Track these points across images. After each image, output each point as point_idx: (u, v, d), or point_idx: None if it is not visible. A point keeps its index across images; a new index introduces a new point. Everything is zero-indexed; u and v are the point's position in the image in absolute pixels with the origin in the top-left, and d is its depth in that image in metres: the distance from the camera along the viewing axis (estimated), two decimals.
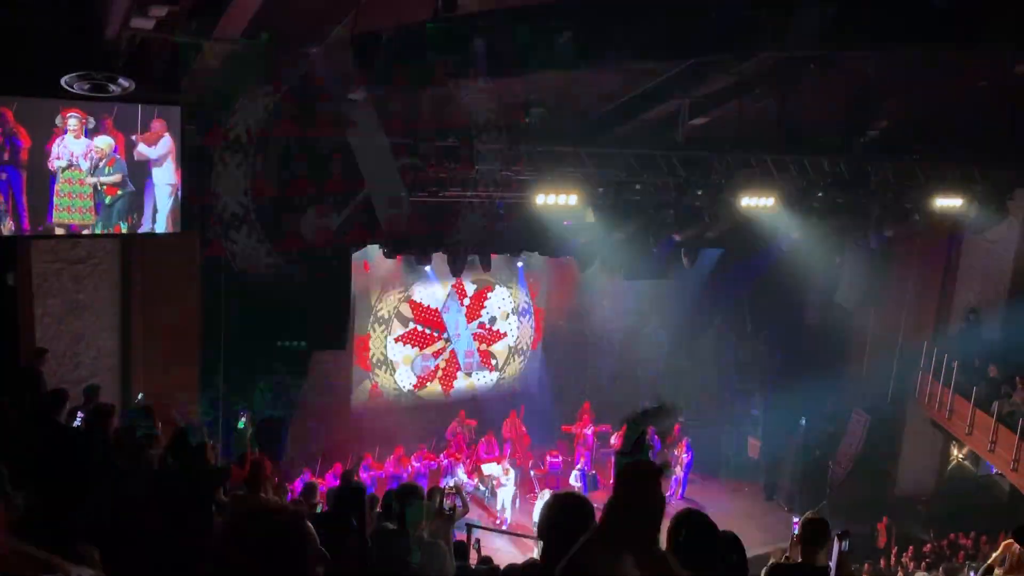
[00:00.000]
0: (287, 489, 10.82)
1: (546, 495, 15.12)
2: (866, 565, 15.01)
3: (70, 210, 8.71)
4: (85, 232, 8.95)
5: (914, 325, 17.04)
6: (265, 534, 2.25)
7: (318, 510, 8.69)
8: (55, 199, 8.59)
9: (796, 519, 16.55)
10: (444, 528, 6.53)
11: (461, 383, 18.91)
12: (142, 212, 9.29)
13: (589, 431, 18.32)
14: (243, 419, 5.91)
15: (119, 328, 11.91)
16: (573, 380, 19.47)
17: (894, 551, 15.63)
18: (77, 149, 8.67)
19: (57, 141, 8.57)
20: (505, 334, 19.22)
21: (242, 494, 5.71)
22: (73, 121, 8.52)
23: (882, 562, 15.22)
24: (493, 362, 19.23)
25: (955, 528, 15.31)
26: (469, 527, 10.96)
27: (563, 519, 3.00)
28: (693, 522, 3.82)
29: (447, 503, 6.48)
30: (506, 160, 11.02)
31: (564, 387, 19.46)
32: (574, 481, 16.42)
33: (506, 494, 16.24)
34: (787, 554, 6.11)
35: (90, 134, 8.70)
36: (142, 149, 9.10)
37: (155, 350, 12.02)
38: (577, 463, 17.24)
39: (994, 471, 16.10)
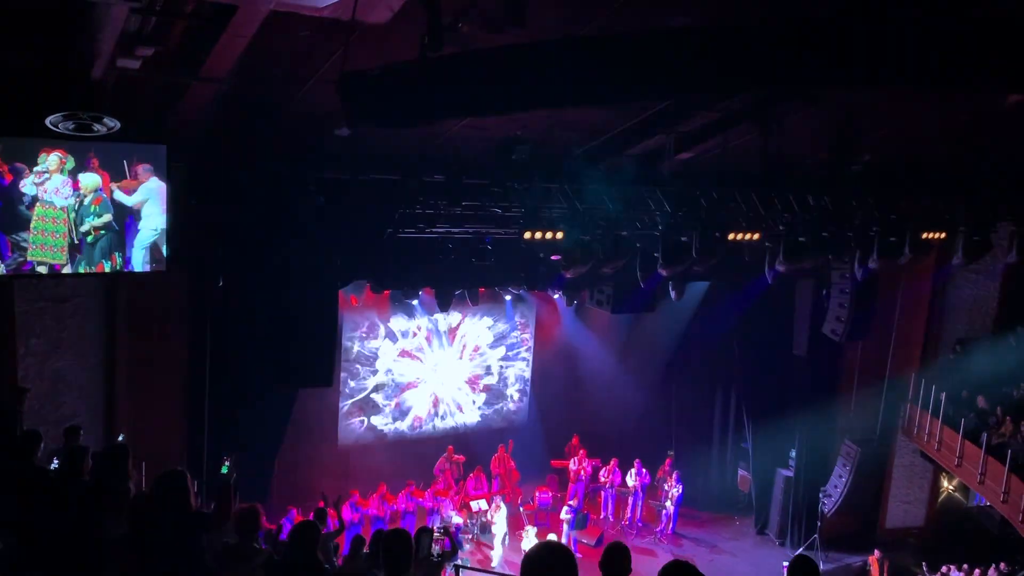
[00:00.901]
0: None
1: (531, 533, 14.97)
2: None
3: (43, 247, 8.63)
4: (66, 271, 8.86)
5: (902, 357, 17.09)
6: None
7: None
8: (31, 236, 8.51)
9: (785, 563, 16.52)
10: (433, 570, 6.42)
11: (448, 419, 18.81)
12: (125, 251, 9.23)
13: (584, 465, 18.22)
14: (227, 464, 5.82)
15: (102, 365, 11.79)
16: (562, 414, 19.42)
17: None
18: (51, 187, 8.61)
19: (33, 179, 8.51)
20: (492, 369, 19.16)
21: (234, 543, 5.62)
22: (53, 159, 8.48)
23: None
24: (481, 397, 19.18)
25: (947, 560, 15.24)
26: (457, 568, 10.97)
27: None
28: None
29: (435, 548, 6.35)
30: (493, 197, 11.03)
31: (553, 421, 19.39)
32: (565, 516, 16.26)
33: (498, 531, 16.09)
34: None
35: (72, 173, 8.66)
36: (118, 196, 9.06)
37: (139, 388, 11.93)
38: (570, 499, 17.12)
39: (984, 503, 16.07)
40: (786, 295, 17.14)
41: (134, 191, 9.13)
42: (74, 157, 8.59)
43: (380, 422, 17.86)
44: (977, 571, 14.31)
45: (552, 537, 14.53)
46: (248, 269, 11.16)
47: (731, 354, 18.50)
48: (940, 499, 18.36)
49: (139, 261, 9.38)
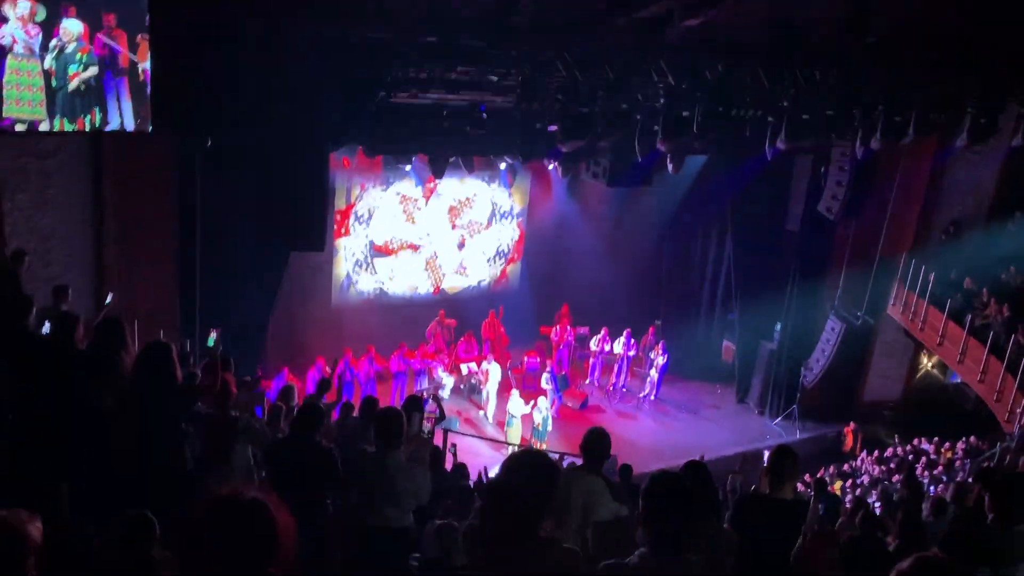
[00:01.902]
0: (263, 395, 10.77)
1: (516, 396, 15.27)
2: (831, 467, 15.39)
3: (19, 102, 8.23)
4: (44, 127, 8.49)
5: (894, 237, 16.95)
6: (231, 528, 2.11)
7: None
8: (4, 91, 8.08)
9: (768, 436, 16.95)
10: (421, 450, 6.47)
11: (440, 283, 18.87)
12: (106, 108, 8.83)
13: (568, 333, 18.46)
14: (213, 336, 5.73)
15: (91, 224, 11.59)
16: (553, 283, 19.51)
17: (861, 455, 16.01)
18: (21, 37, 8.11)
19: (2, 28, 8.00)
20: (485, 236, 19.04)
21: (212, 413, 5.62)
22: (22, 7, 7.94)
23: (846, 465, 15.59)
24: (473, 262, 19.13)
25: (920, 434, 15.65)
26: (445, 431, 11.17)
27: (520, 484, 2.86)
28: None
29: (426, 426, 6.40)
30: (489, 63, 10.53)
31: (544, 290, 19.50)
32: (545, 384, 16.61)
33: (491, 388, 16.50)
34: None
35: (45, 23, 8.15)
36: (102, 45, 8.57)
37: (128, 247, 11.77)
38: (553, 364, 17.38)
39: (960, 380, 16.36)
40: (783, 171, 16.84)
41: (116, 42, 8.65)
42: (45, 7, 8.06)
43: (372, 285, 17.92)
44: (947, 444, 14.72)
45: (541, 411, 14.87)
46: (238, 129, 10.81)
47: (724, 229, 18.38)
48: (918, 375, 18.70)
49: (123, 119, 9.00)
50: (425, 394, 9.86)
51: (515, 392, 15.58)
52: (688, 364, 18.85)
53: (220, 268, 12.19)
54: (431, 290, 18.68)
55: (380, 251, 17.76)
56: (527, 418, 15.11)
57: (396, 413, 5.45)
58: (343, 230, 17.15)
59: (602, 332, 18.28)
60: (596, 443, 5.16)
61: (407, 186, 17.55)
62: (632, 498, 5.17)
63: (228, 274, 12.36)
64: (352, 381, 15.45)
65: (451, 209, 18.38)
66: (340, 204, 16.83)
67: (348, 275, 17.55)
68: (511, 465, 3.03)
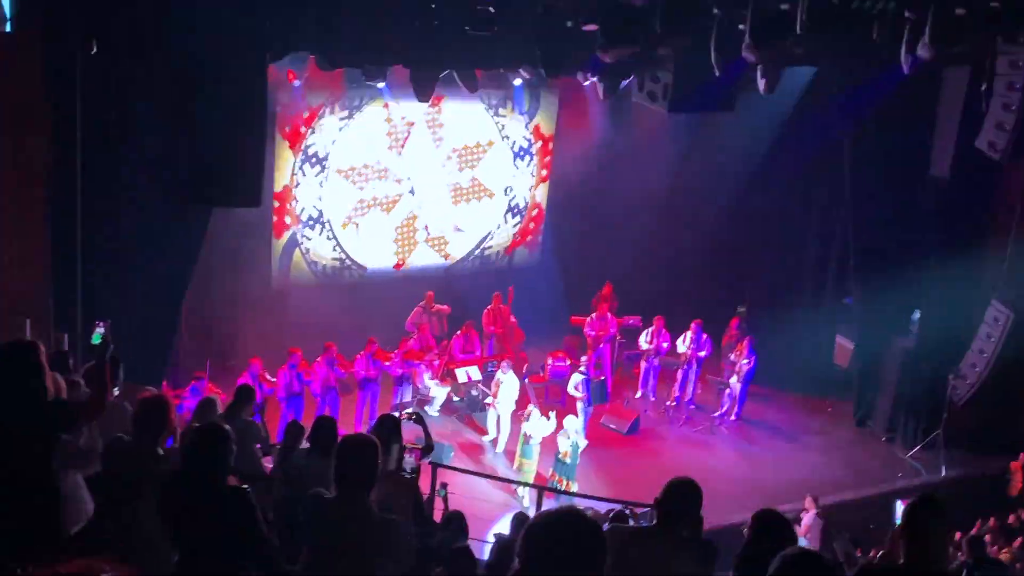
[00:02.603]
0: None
1: (535, 417, 15.30)
2: (991, 520, 15.32)
3: None
4: None
5: None
6: None
7: None
8: None
9: (900, 474, 16.92)
10: (400, 494, 6.46)
11: (428, 252, 18.91)
12: None
13: (610, 324, 18.45)
14: (99, 331, 5.71)
15: None
16: (588, 253, 19.54)
17: None
18: None
19: None
20: (492, 185, 19.03)
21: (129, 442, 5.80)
22: None
23: (1011, 517, 15.53)
24: (474, 221, 19.16)
25: None
26: (434, 466, 11.21)
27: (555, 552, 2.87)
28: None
29: (409, 460, 6.39)
30: None
31: (574, 262, 19.54)
32: (574, 390, 16.67)
33: (502, 409, 16.53)
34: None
35: None
36: None
37: None
38: (588, 368, 17.27)
39: None
40: (926, 93, 16.66)
41: None
42: None
43: (330, 255, 17.95)
44: None
45: (568, 435, 14.89)
46: (136, 30, 10.80)
47: (838, 175, 18.25)
48: None
49: None
50: (405, 413, 9.87)
51: (533, 409, 15.58)
52: (784, 370, 18.77)
53: (111, 236, 12.20)
54: (414, 262, 18.73)
55: (341, 204, 17.76)
56: (549, 444, 15.19)
57: (365, 442, 5.48)
58: (289, 177, 17.16)
59: (655, 324, 18.32)
60: (680, 501, 5.45)
61: (379, 113, 17.54)
62: (705, 561, 5.29)
63: (122, 244, 12.37)
64: (301, 393, 15.50)
65: (442, 146, 18.34)
66: (283, 139, 16.86)
67: (295, 241, 17.60)
68: (535, 540, 3.02)
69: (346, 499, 5.35)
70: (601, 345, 18.39)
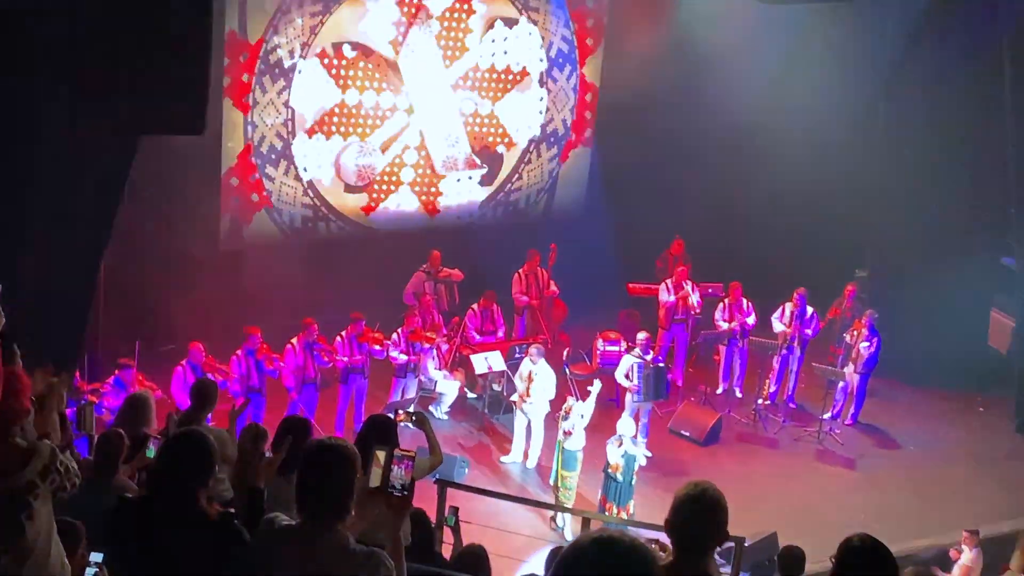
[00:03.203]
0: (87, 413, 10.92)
1: (578, 413, 15.18)
2: None
3: None
4: None
5: None
6: None
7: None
8: None
9: None
10: (389, 520, 6.40)
11: (429, 193, 19.11)
12: None
13: (683, 292, 18.46)
14: None
15: None
16: (651, 198, 19.56)
17: None
18: None
19: None
20: (520, 101, 19.11)
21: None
22: None
23: None
24: (497, 157, 19.27)
25: None
26: (442, 485, 11.25)
27: None
28: None
29: (399, 472, 6.29)
30: None
31: (635, 212, 19.58)
32: (624, 379, 16.64)
33: (533, 412, 16.42)
34: None
35: None
36: None
37: None
38: (645, 349, 17.14)
39: None
40: None
41: None
42: None
43: (298, 200, 18.08)
44: None
45: (622, 443, 14.72)
46: None
47: (992, 92, 18.10)
48: None
49: None
50: (402, 414, 9.84)
51: (575, 404, 15.42)
52: (918, 357, 18.74)
53: (5, 175, 12.17)
54: (414, 207, 18.86)
55: (314, 134, 17.85)
56: (598, 456, 15.08)
57: (336, 449, 5.49)
58: (243, 96, 17.25)
59: (733, 292, 18.40)
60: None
61: (369, 7, 17.59)
62: None
63: (15, 187, 12.36)
64: (261, 389, 15.55)
65: (452, 51, 18.40)
66: (234, 46, 16.92)
67: (252, 184, 17.67)
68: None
69: (312, 526, 5.35)
70: (676, 322, 18.48)
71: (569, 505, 14.84)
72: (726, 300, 18.49)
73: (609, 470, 14.78)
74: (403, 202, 19.10)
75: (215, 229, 17.58)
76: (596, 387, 15.28)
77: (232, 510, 5.87)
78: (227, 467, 10.22)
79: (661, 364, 17.23)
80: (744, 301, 18.39)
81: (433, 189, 19.23)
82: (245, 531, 5.64)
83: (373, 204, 18.81)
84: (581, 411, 15.12)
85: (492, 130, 19.35)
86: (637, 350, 16.84)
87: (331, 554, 5.28)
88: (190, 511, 5.57)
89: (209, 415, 10.70)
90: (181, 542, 5.48)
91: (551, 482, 15.54)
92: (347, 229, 18.67)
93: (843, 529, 14.53)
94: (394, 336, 16.62)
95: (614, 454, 14.72)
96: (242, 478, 9.21)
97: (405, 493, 5.92)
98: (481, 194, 19.51)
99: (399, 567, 5.56)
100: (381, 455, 6.27)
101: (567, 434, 15.14)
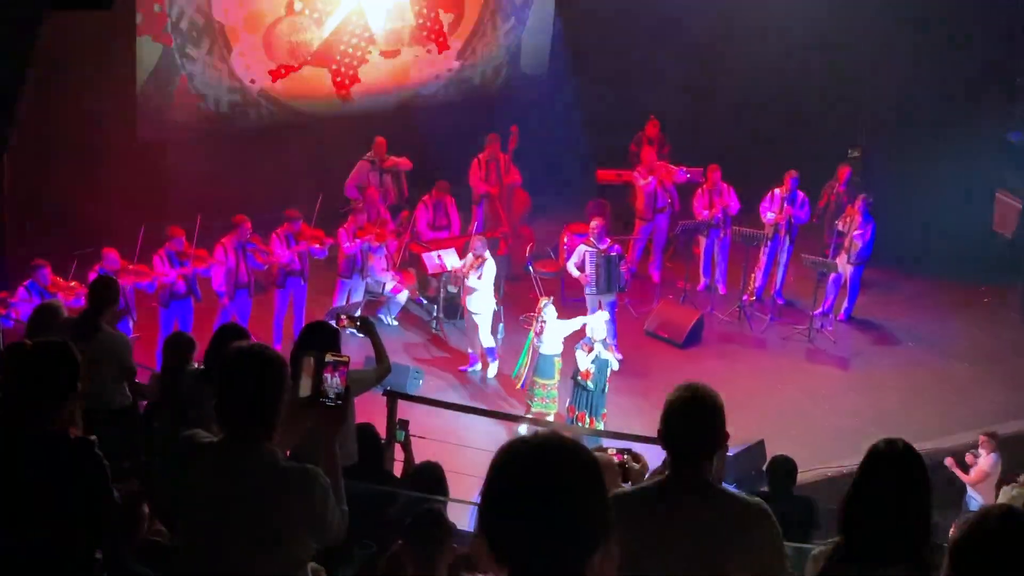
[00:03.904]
0: None
1: (552, 318, 15.10)
2: None
3: None
4: None
5: None
6: None
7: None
8: None
9: None
10: (324, 433, 6.15)
11: (372, 66, 18.75)
12: None
13: (667, 176, 18.35)
14: None
15: None
16: (623, 74, 19.52)
17: None
18: None
19: None
20: None
21: None
22: None
23: None
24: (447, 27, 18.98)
25: None
26: (391, 397, 11.34)
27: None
28: None
29: (332, 381, 6.05)
30: None
31: (602, 90, 19.47)
32: (574, 268, 16.59)
33: (480, 319, 16.31)
34: None
35: None
36: None
37: None
38: (599, 237, 16.96)
39: None
40: None
41: None
42: None
43: (223, 83, 17.77)
44: None
45: (590, 355, 14.72)
46: None
47: None
48: None
49: None
50: (344, 319, 9.68)
51: (546, 305, 15.35)
52: (917, 244, 18.92)
53: None
54: (355, 88, 18.73)
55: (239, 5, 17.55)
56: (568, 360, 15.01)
57: (259, 354, 5.35)
58: None
59: (710, 177, 18.23)
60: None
61: None
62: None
63: None
64: (187, 296, 15.44)
65: None
66: None
67: (173, 65, 17.33)
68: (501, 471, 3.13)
69: (235, 443, 5.29)
70: (659, 211, 18.39)
71: (550, 418, 14.87)
72: (704, 186, 18.28)
73: (579, 377, 14.72)
74: (342, 82, 18.85)
75: (130, 116, 17.40)
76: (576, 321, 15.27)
77: (93, 437, 5.83)
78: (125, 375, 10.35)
79: (615, 253, 17.08)
80: (724, 186, 18.19)
81: (375, 67, 18.93)
82: (101, 455, 5.65)
83: (310, 85, 18.56)
84: (553, 313, 15.10)
85: None
86: (592, 236, 16.84)
87: (258, 473, 5.28)
88: (39, 429, 5.65)
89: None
90: (27, 462, 5.61)
91: (521, 387, 15.55)
92: (280, 115, 18.46)
93: (836, 435, 14.59)
94: (341, 232, 16.49)
95: (584, 360, 14.66)
96: (166, 388, 9.36)
97: (339, 403, 5.78)
98: (430, 71, 19.20)
99: (336, 485, 5.52)
100: (311, 361, 6.01)
101: (538, 335, 15.15)
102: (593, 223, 16.90)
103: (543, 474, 3.09)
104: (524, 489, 3.08)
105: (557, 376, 15.10)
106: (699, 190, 18.35)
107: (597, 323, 15.01)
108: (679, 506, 5.19)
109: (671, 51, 19.50)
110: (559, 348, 15.10)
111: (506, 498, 3.12)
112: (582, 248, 16.65)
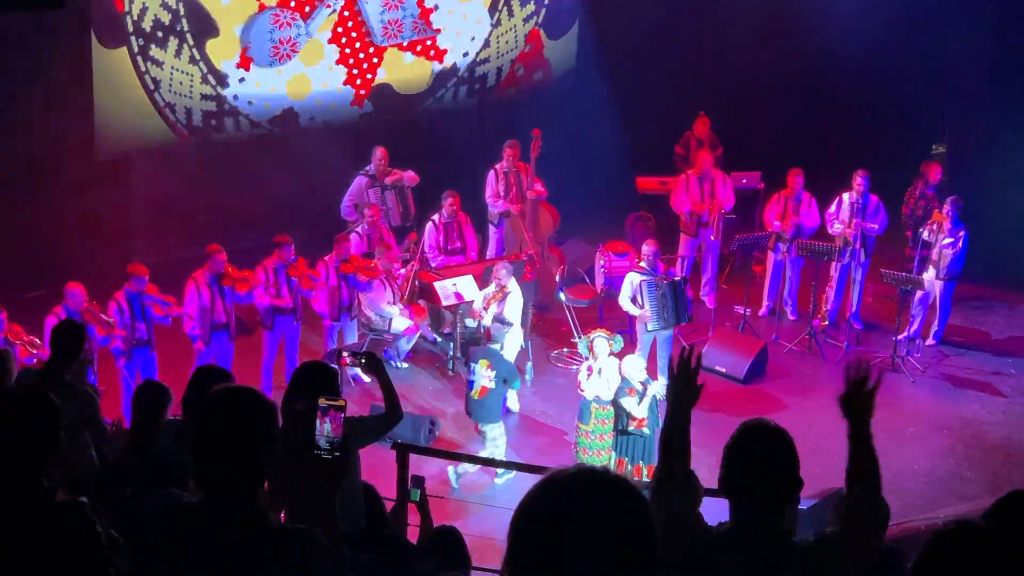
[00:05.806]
0: None
1: (602, 350, 15.06)
2: None
3: None
4: None
5: None
6: None
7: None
8: None
9: None
10: (320, 490, 6.38)
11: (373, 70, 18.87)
12: None
13: (719, 186, 18.45)
14: None
15: None
16: (666, 66, 19.68)
17: None
18: None
19: None
20: None
21: None
22: None
23: None
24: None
25: None
26: (401, 450, 11.26)
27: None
28: None
29: (324, 428, 6.21)
30: None
31: (641, 84, 19.57)
32: (629, 303, 16.59)
33: (509, 348, 16.18)
34: None
35: None
36: None
37: None
38: (652, 262, 16.99)
39: None
40: None
41: None
42: None
43: (195, 91, 18.02)
44: None
45: (632, 398, 14.67)
46: None
47: None
48: None
49: None
50: (347, 357, 9.84)
51: (597, 339, 15.16)
52: (1011, 253, 18.90)
53: None
54: (348, 91, 18.97)
55: None
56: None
57: (245, 399, 5.34)
58: None
59: (792, 182, 18.14)
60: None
61: None
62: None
63: None
64: (149, 342, 15.55)
65: None
66: None
67: (136, 69, 17.56)
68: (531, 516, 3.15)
69: (216, 503, 5.29)
70: (704, 226, 18.41)
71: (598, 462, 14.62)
72: (783, 192, 18.29)
73: (632, 427, 14.67)
74: (332, 83, 19.02)
75: (88, 133, 17.48)
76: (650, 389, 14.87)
77: (84, 499, 5.88)
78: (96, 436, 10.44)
79: (677, 278, 17.11)
80: (806, 195, 18.15)
81: (372, 64, 19.13)
82: (95, 521, 5.64)
83: (295, 89, 18.70)
84: (605, 349, 14.86)
85: None
86: (644, 264, 16.75)
87: (245, 538, 5.23)
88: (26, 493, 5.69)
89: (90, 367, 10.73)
90: (9, 532, 5.59)
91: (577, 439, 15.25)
92: (261, 124, 18.55)
93: (927, 480, 14.65)
94: (320, 266, 16.41)
95: (638, 409, 14.61)
96: (140, 446, 9.47)
97: (336, 454, 5.77)
98: (436, 68, 19.39)
99: (336, 550, 5.52)
100: (300, 407, 6.14)
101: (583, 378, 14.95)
102: (645, 247, 16.80)
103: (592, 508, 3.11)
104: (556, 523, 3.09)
105: (591, 422, 14.92)
106: (775, 196, 18.35)
107: (632, 368, 14.80)
108: (751, 558, 5.33)
109: (723, 33, 19.73)
110: (608, 395, 14.74)
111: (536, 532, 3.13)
112: (635, 277, 16.55)
